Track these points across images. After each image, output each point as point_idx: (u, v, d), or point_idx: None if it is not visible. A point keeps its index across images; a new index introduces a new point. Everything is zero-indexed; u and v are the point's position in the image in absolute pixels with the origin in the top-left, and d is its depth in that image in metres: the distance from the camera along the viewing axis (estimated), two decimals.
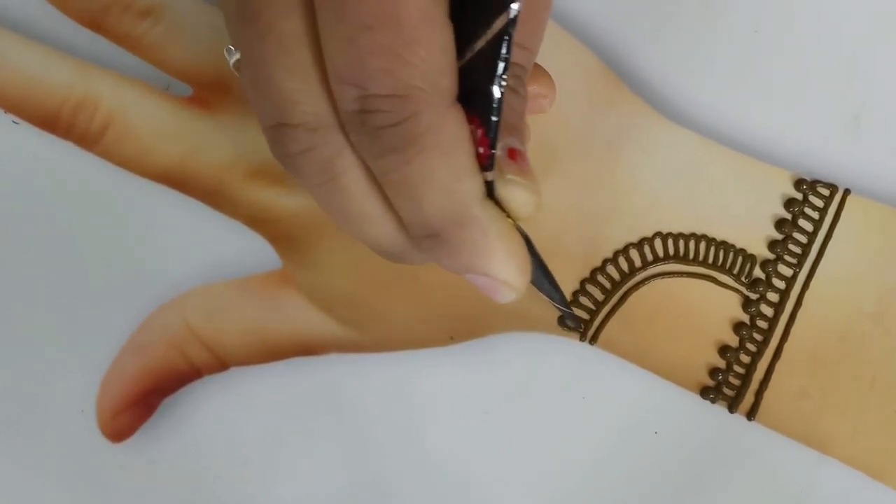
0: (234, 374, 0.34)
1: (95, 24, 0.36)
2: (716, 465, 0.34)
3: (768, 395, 0.34)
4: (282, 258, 0.35)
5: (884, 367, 0.34)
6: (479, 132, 0.23)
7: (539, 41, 0.28)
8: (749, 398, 0.34)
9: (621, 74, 0.36)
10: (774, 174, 0.35)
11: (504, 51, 0.22)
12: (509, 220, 0.24)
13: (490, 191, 0.24)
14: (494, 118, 0.23)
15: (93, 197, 0.36)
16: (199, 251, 0.35)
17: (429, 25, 0.22)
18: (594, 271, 0.35)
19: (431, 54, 0.22)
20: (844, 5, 0.37)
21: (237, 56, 0.27)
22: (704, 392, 0.34)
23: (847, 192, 0.35)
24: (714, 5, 0.37)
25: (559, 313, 0.34)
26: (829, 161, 0.36)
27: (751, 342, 0.34)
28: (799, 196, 0.35)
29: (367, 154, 0.24)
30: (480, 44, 0.22)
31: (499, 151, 0.24)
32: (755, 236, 0.35)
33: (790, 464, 0.34)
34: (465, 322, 0.34)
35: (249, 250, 0.35)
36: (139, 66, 0.36)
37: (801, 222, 0.35)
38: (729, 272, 0.35)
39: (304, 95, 0.24)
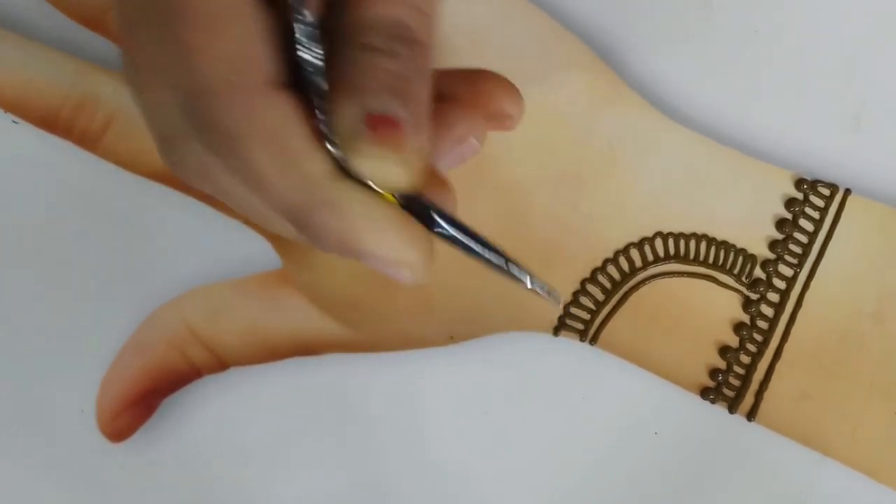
0: (234, 374, 0.34)
1: (95, 23, 0.36)
2: (716, 466, 0.34)
3: (768, 395, 0.34)
4: (282, 258, 0.35)
5: (884, 368, 0.34)
6: (312, 105, 0.22)
7: (438, 1, 0.25)
8: (749, 399, 0.34)
9: (621, 74, 0.36)
10: (775, 174, 0.35)
11: (299, 14, 0.21)
12: (382, 193, 0.22)
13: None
14: (309, 88, 0.22)
15: (93, 197, 0.35)
16: (199, 251, 0.35)
17: (231, 12, 0.21)
18: (595, 271, 0.35)
19: (237, 42, 0.21)
20: (844, 5, 0.37)
21: None
22: (704, 392, 0.34)
23: (848, 191, 0.35)
24: (714, 5, 0.37)
25: (559, 313, 0.34)
26: (829, 161, 0.36)
27: (751, 342, 0.34)
28: (799, 196, 0.35)
29: (222, 158, 0.23)
30: (292, 15, 0.22)
31: (354, 118, 0.22)
32: (756, 236, 0.35)
33: (790, 464, 0.34)
34: (465, 322, 0.34)
35: (249, 250, 0.35)
36: None
37: (802, 222, 0.35)
38: (729, 272, 0.35)
39: (161, 109, 0.23)
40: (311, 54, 0.22)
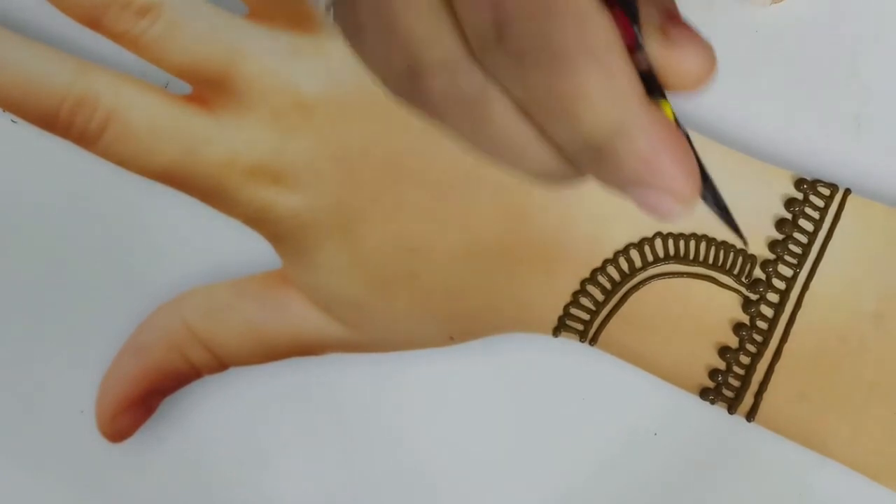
0: (234, 374, 0.34)
1: (94, 22, 0.36)
2: (715, 466, 0.34)
3: (768, 396, 0.34)
4: (282, 258, 0.35)
5: (883, 369, 0.34)
6: (622, 20, 0.21)
7: None
8: (749, 399, 0.34)
9: None
10: (775, 174, 0.35)
11: None
12: (673, 119, 0.22)
13: (647, 84, 0.22)
14: (634, 3, 0.21)
15: (93, 197, 0.35)
16: (199, 251, 0.35)
17: None
18: (594, 271, 0.35)
19: None
20: (844, 5, 0.37)
21: None
22: (704, 393, 0.34)
23: (847, 191, 0.35)
24: (714, 5, 0.37)
25: (559, 313, 0.34)
26: (829, 161, 0.36)
27: (750, 343, 0.34)
28: (799, 196, 0.35)
29: (511, 79, 0.22)
30: None
31: (655, 18, 0.22)
32: (755, 236, 0.35)
33: (790, 464, 0.34)
34: (465, 322, 0.34)
35: (249, 250, 0.35)
36: (138, 65, 0.36)
37: (802, 222, 0.35)
38: (729, 272, 0.35)
39: (438, 32, 0.22)
40: None
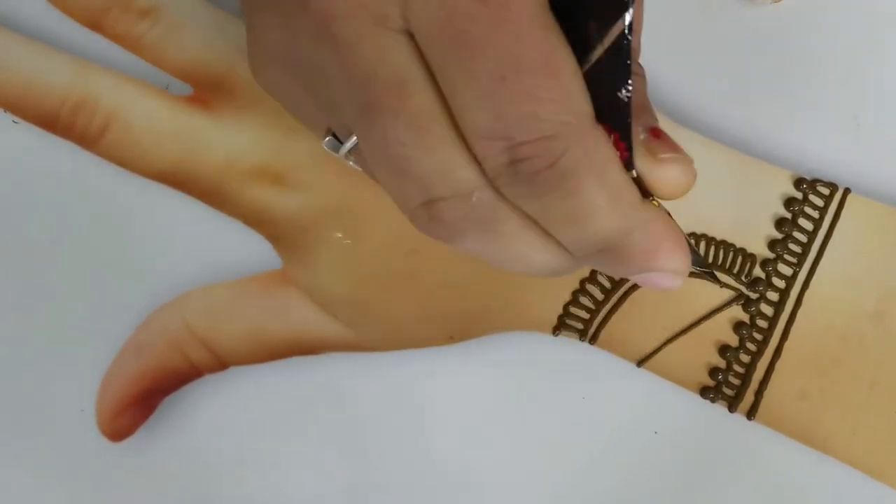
0: (234, 374, 0.34)
1: (95, 23, 0.36)
2: (715, 465, 0.34)
3: (768, 394, 0.34)
4: (282, 258, 0.35)
5: (884, 367, 0.34)
6: (614, 137, 0.23)
7: (642, 18, 0.28)
8: (749, 398, 0.34)
9: None
10: (774, 173, 0.35)
11: (626, 58, 0.22)
12: (662, 208, 0.25)
13: (639, 186, 0.24)
14: (629, 120, 0.23)
15: (93, 197, 0.35)
16: (199, 251, 0.35)
17: (555, 57, 0.22)
18: (594, 271, 0.35)
19: (565, 84, 0.22)
20: (844, 5, 0.37)
21: (350, 144, 0.27)
22: (704, 392, 0.34)
23: (847, 191, 0.35)
24: (714, 5, 0.37)
25: (559, 312, 0.34)
26: (829, 161, 0.36)
27: (751, 342, 0.34)
28: (799, 195, 0.35)
29: (525, 200, 0.24)
30: (598, 53, 0.22)
31: (642, 135, 0.24)
32: (755, 236, 0.35)
33: (790, 463, 0.34)
34: (465, 322, 0.34)
35: (249, 250, 0.35)
36: (139, 66, 0.36)
37: (802, 221, 0.35)
38: (729, 272, 0.35)
39: (450, 167, 0.24)
40: (626, 90, 0.22)
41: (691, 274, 0.33)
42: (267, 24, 0.27)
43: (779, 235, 0.35)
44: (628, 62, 0.22)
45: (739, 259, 0.35)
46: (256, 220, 0.35)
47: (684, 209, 0.35)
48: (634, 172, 0.24)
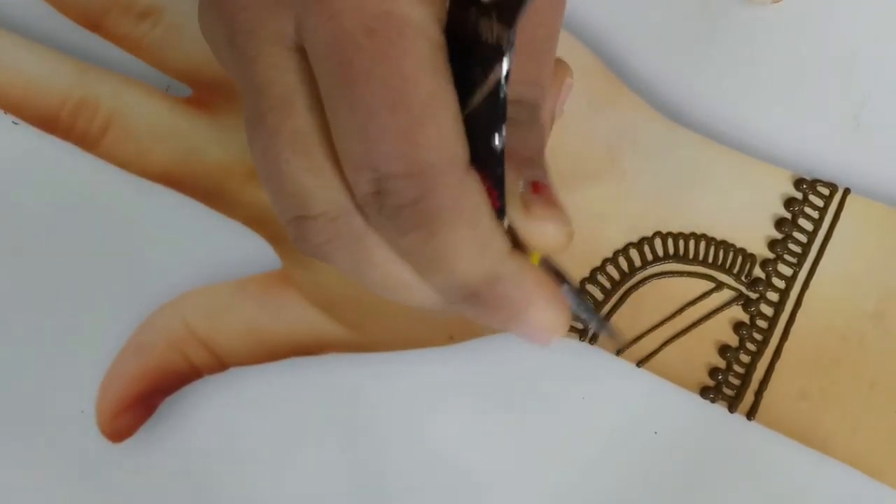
0: (234, 374, 0.34)
1: (95, 24, 0.36)
2: (715, 465, 0.34)
3: (768, 394, 0.34)
4: (282, 258, 0.35)
5: (884, 368, 0.34)
6: (488, 184, 0.23)
7: (549, 69, 0.28)
8: (749, 398, 0.34)
9: (621, 74, 0.36)
10: (774, 174, 0.35)
11: (500, 106, 0.22)
12: (536, 262, 0.24)
13: (513, 237, 0.24)
14: (500, 169, 0.23)
15: (93, 197, 0.36)
16: (199, 251, 0.35)
17: (436, 100, 0.22)
18: (594, 271, 0.35)
19: (441, 128, 0.22)
20: (844, 5, 0.37)
21: None
22: (704, 392, 0.34)
23: (847, 191, 0.35)
24: (714, 5, 0.37)
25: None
26: (828, 161, 0.36)
27: (751, 342, 0.34)
28: (799, 195, 0.35)
29: (389, 234, 0.24)
30: (478, 98, 0.22)
31: (521, 187, 0.24)
32: (755, 236, 0.35)
33: (790, 464, 0.34)
34: (465, 322, 0.34)
35: (249, 250, 0.35)
36: (139, 67, 0.36)
37: (801, 222, 0.35)
38: (729, 272, 0.35)
39: (321, 188, 0.24)
40: (500, 139, 0.22)
41: (580, 329, 0.34)
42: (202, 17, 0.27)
43: (779, 235, 0.35)
44: (502, 110, 0.22)
45: (739, 259, 0.35)
46: (256, 220, 0.35)
47: (685, 209, 0.35)
48: (507, 223, 0.24)
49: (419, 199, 0.22)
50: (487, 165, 0.23)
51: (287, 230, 0.25)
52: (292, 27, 0.23)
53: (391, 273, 0.25)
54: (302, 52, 0.23)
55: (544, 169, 0.25)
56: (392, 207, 0.23)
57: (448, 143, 0.22)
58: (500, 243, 0.23)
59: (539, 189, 0.24)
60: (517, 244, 0.24)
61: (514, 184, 0.24)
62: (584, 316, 0.28)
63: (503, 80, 0.22)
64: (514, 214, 0.24)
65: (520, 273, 0.24)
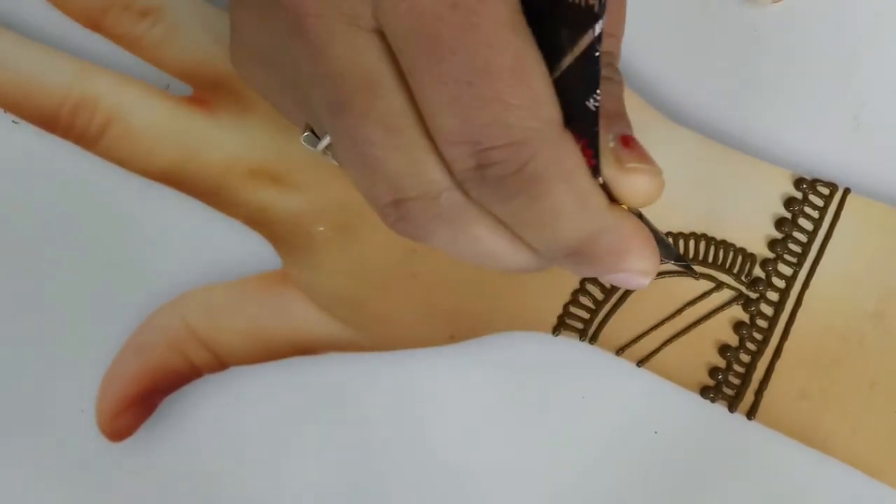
0: (234, 373, 0.34)
1: (95, 23, 0.36)
2: (716, 465, 0.34)
3: (768, 394, 0.34)
4: (282, 258, 0.35)
5: (884, 367, 0.34)
6: (582, 143, 0.23)
7: (623, 23, 0.28)
8: (749, 397, 0.34)
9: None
10: (774, 173, 0.35)
11: (595, 68, 0.22)
12: (629, 210, 0.25)
13: (607, 192, 0.24)
14: (596, 129, 0.23)
15: (93, 197, 0.36)
16: (199, 251, 0.35)
17: (524, 63, 0.22)
18: None
19: (534, 90, 0.22)
20: (844, 5, 0.37)
21: (326, 140, 0.27)
22: (704, 391, 0.34)
23: (847, 190, 0.35)
24: (714, 5, 0.37)
25: (559, 312, 0.34)
26: (829, 161, 0.36)
27: (751, 341, 0.34)
28: (799, 195, 0.35)
29: (492, 203, 0.24)
30: (568, 60, 0.22)
31: (612, 143, 0.24)
32: (755, 235, 0.35)
33: (790, 463, 0.34)
34: (465, 321, 0.34)
35: (249, 250, 0.35)
36: (139, 66, 0.36)
37: (802, 221, 0.35)
38: (729, 271, 0.35)
39: (418, 167, 0.24)
40: (596, 98, 0.22)
41: (669, 272, 0.34)
42: (245, 20, 0.27)
43: (779, 235, 0.35)
44: (597, 71, 0.22)
45: (739, 259, 0.35)
46: (256, 220, 0.35)
47: (685, 209, 0.35)
48: (601, 179, 0.24)
49: (522, 166, 0.23)
50: (581, 126, 0.23)
51: (382, 216, 0.25)
52: (369, 9, 0.23)
53: (489, 242, 0.25)
54: (379, 33, 0.23)
55: (629, 121, 0.26)
56: (496, 178, 0.23)
57: (543, 104, 0.23)
58: (599, 199, 0.24)
59: (628, 142, 0.25)
60: (611, 198, 0.25)
61: (605, 139, 0.24)
62: (668, 259, 0.29)
63: (597, 41, 0.21)
64: (608, 170, 0.24)
65: (619, 225, 0.24)
